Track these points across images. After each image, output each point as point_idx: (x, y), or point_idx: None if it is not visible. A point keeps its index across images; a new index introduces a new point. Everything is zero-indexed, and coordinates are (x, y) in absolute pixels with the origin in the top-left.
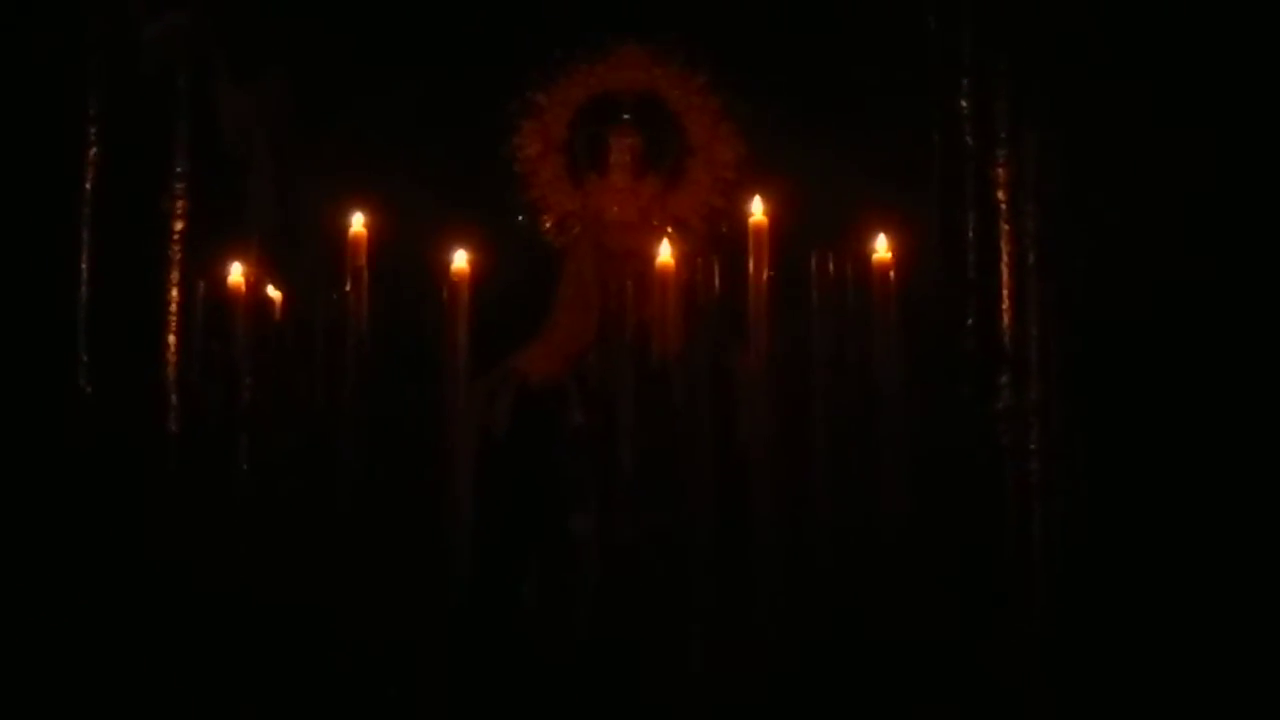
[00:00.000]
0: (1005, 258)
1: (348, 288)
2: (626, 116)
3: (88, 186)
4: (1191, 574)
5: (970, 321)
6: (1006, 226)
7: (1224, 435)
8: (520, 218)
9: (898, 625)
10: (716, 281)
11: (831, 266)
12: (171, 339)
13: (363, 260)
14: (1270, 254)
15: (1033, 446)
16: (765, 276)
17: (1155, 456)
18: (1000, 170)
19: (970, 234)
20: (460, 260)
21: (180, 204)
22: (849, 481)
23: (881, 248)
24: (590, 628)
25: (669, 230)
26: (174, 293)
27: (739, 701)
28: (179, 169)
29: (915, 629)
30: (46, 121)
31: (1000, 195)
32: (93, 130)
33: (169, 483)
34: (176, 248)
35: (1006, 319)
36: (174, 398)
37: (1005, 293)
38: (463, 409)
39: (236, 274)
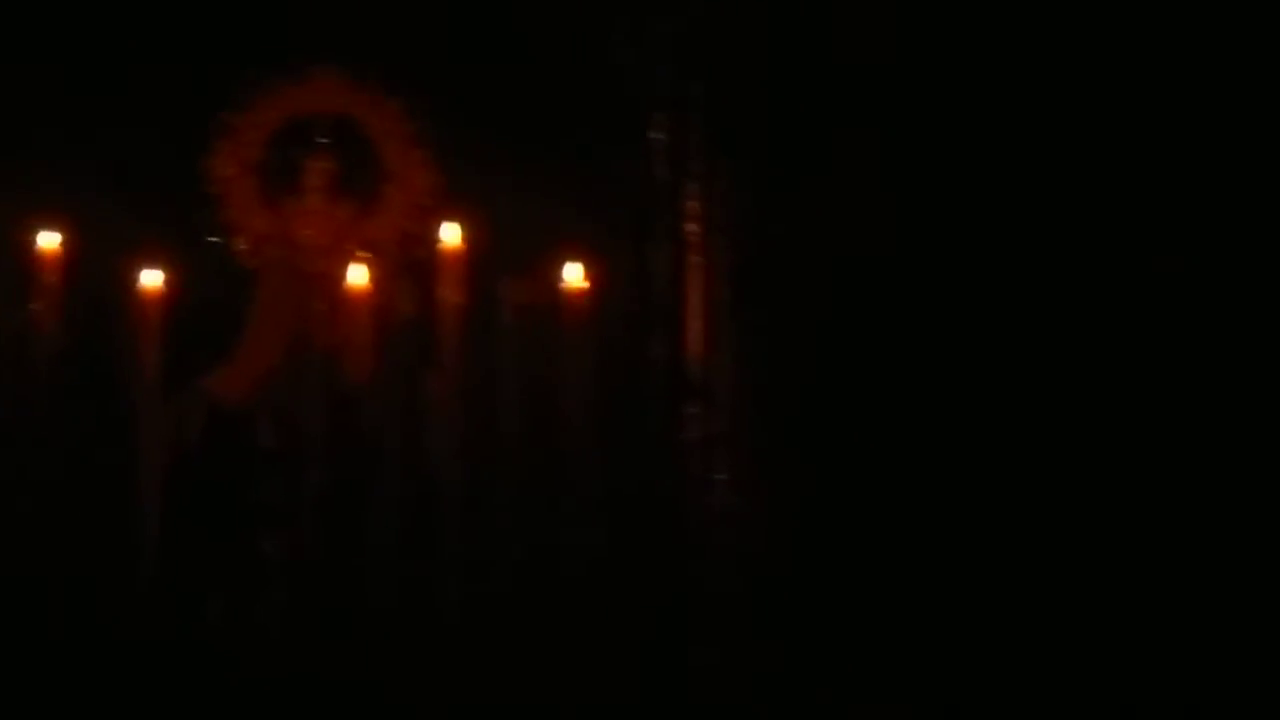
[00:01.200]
0: (696, 290)
1: (38, 304)
2: (322, 140)
3: None
4: (879, 601)
5: (660, 352)
6: (698, 259)
7: (914, 468)
8: (213, 238)
9: (584, 648)
10: (408, 306)
11: (523, 294)
12: None
13: (54, 277)
14: (962, 290)
15: (720, 476)
16: (457, 302)
17: (842, 487)
18: (692, 203)
19: (662, 265)
20: (152, 279)
21: None
22: (537, 507)
23: (574, 276)
24: (277, 646)
25: (362, 254)
26: None
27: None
28: None
29: (602, 651)
30: None
31: (692, 228)
32: None
33: None
34: None
35: (696, 350)
36: None
37: (695, 324)
38: (152, 427)
39: None
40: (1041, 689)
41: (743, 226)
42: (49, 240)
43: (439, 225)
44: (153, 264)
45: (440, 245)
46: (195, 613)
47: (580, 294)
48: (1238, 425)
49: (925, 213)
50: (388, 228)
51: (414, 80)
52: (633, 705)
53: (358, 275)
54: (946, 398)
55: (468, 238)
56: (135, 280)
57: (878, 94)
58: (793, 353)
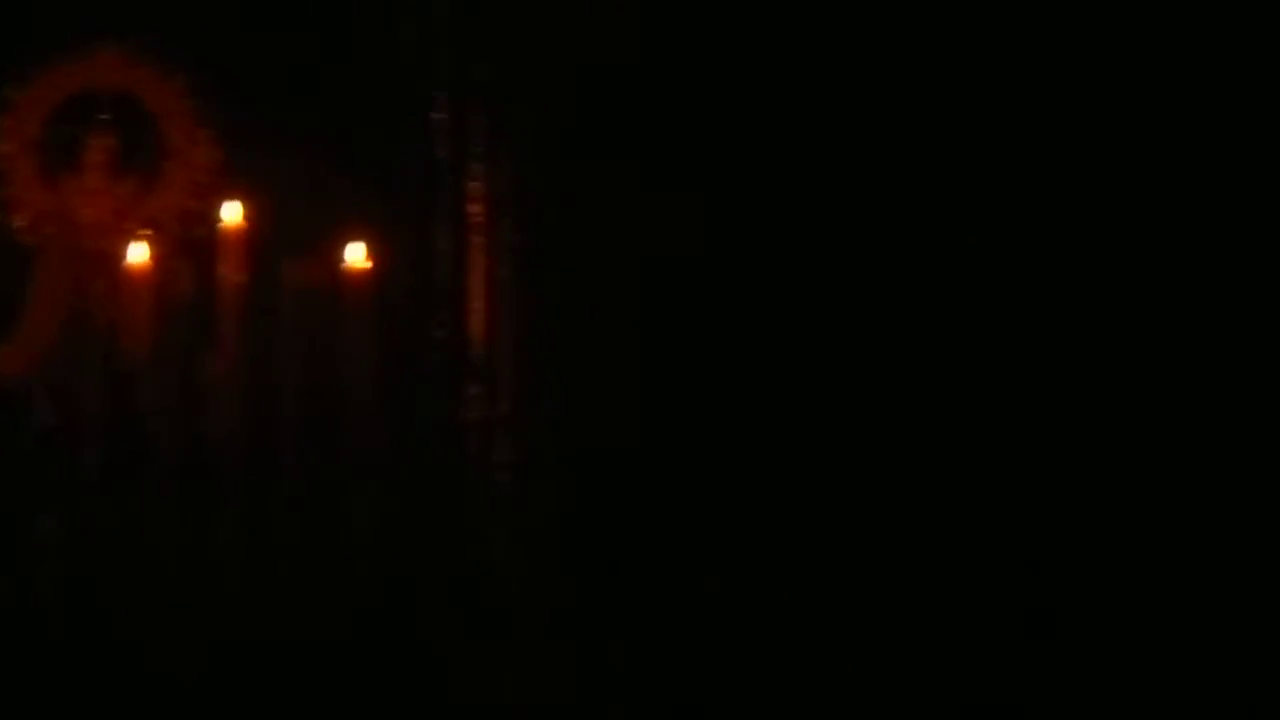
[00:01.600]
0: (478, 271)
1: None
2: (103, 117)
3: None
4: (662, 583)
5: (442, 333)
6: (480, 240)
7: (696, 453)
8: None
9: (365, 630)
10: (189, 285)
11: (305, 273)
12: None
13: None
14: (744, 277)
15: (501, 459)
16: (238, 281)
17: (625, 469)
18: (475, 184)
19: (445, 246)
20: None
21: None
22: (318, 488)
23: (356, 257)
24: (55, 628)
25: (143, 232)
26: None
27: (208, 697)
28: None
29: (384, 635)
30: None
31: (475, 209)
32: None
33: None
34: None
35: (478, 332)
36: None
37: (478, 306)
38: None
39: None
40: (819, 660)
41: (526, 208)
42: None
43: (220, 203)
44: None
45: (221, 224)
46: None
47: (362, 274)
48: (1027, 415)
49: (711, 199)
50: (169, 206)
51: (196, 57)
52: (414, 688)
53: (138, 253)
54: (729, 380)
55: (249, 216)
56: None
57: (659, 78)
58: (576, 335)
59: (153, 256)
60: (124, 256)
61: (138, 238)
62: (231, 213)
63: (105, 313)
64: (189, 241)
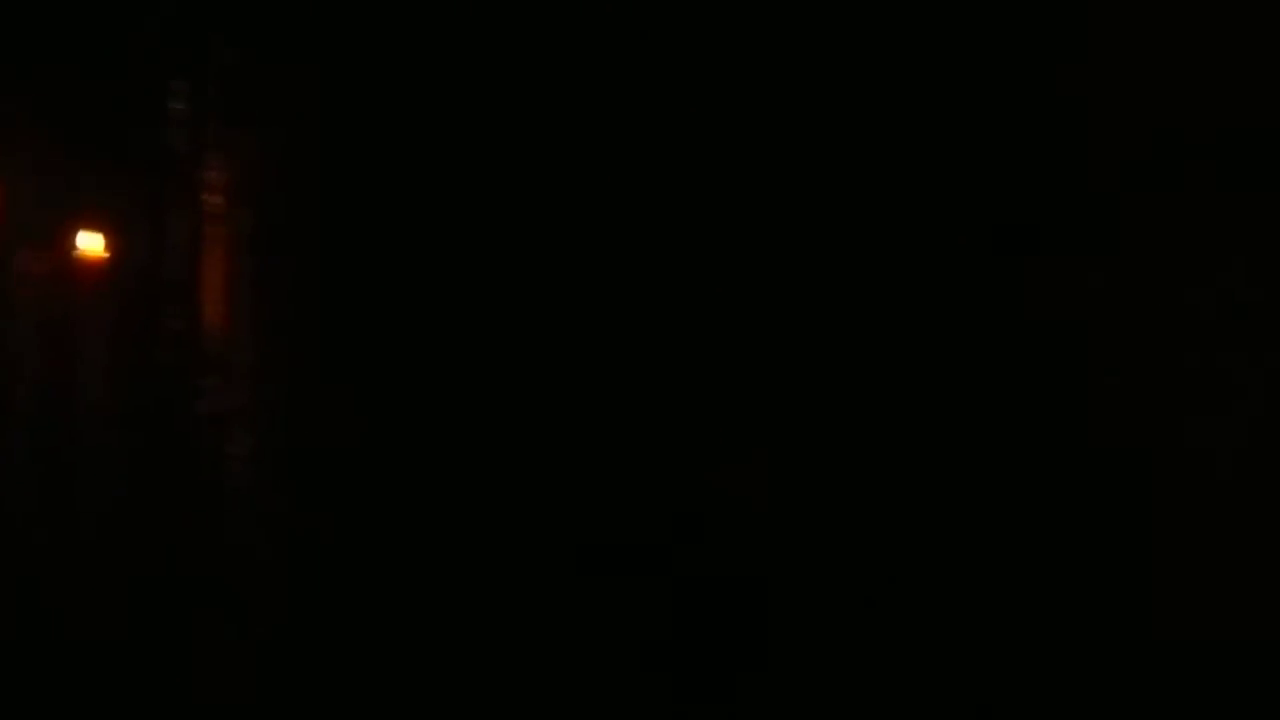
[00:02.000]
0: (215, 262)
1: None
2: None
3: None
4: (395, 578)
5: (178, 324)
6: (218, 230)
7: (431, 444)
8: None
9: (98, 622)
10: None
11: (39, 263)
12: None
13: None
14: (482, 273)
15: (237, 450)
16: None
17: (360, 462)
18: (212, 174)
19: (181, 236)
20: None
21: None
22: (52, 480)
23: (91, 246)
24: None
25: None
26: None
27: None
28: None
29: (117, 626)
30: None
31: (212, 199)
32: None
33: None
34: None
35: (215, 323)
36: None
37: (214, 297)
38: None
39: None
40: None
41: (264, 199)
42: None
43: None
44: None
45: None
46: None
47: (98, 263)
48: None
49: (450, 194)
50: None
51: None
52: (149, 676)
53: None
54: (461, 373)
55: None
56: None
57: (403, 69)
58: (313, 327)
59: None
60: None
61: None
62: None
63: None
64: None
